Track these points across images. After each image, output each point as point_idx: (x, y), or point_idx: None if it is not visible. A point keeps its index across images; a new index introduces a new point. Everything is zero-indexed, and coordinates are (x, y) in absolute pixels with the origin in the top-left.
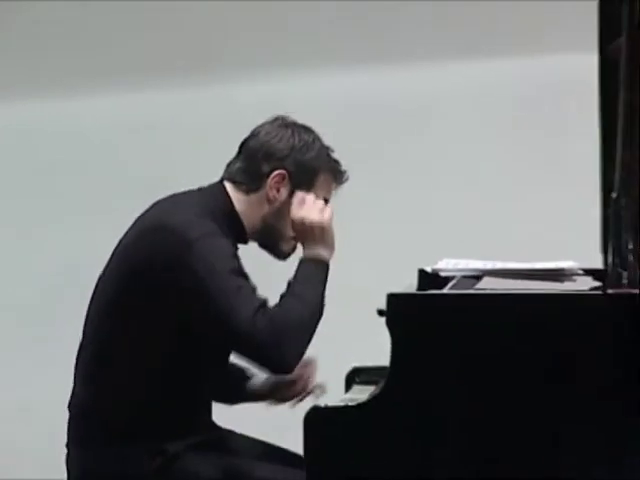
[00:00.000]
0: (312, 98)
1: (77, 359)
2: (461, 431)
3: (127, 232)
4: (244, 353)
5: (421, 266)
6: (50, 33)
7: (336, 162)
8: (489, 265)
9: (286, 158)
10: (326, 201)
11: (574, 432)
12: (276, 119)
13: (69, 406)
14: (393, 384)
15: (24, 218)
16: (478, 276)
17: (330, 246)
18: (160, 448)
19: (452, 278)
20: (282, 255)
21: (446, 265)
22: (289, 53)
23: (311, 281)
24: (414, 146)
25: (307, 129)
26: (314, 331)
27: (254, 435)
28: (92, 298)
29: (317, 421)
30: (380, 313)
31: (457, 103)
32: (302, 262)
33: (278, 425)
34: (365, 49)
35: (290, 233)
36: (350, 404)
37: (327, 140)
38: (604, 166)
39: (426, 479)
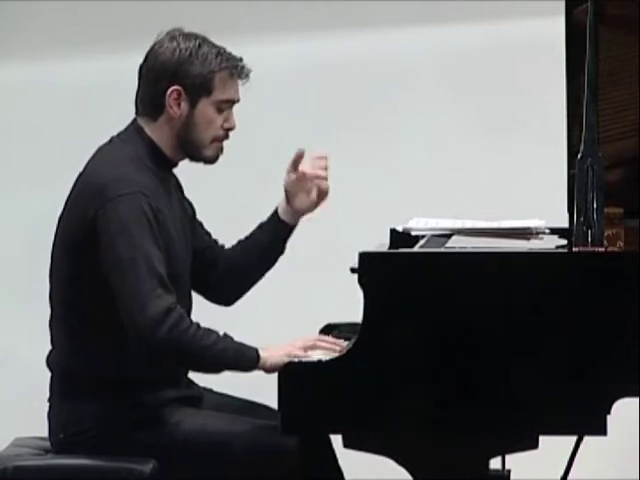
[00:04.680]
0: (278, 63)
1: (50, 319)
2: (426, 385)
3: (70, 190)
4: (135, 343)
5: (393, 225)
6: None
7: (229, 59)
8: (458, 224)
9: (176, 73)
10: (234, 102)
11: (537, 387)
12: (166, 34)
13: (47, 362)
14: (365, 340)
15: (4, 172)
16: (448, 235)
17: (275, 357)
18: (139, 401)
19: (422, 237)
20: (210, 160)
21: (417, 224)
22: (250, 18)
23: (236, 355)
24: (386, 107)
25: (191, 36)
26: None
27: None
28: (51, 258)
29: (291, 376)
30: (353, 271)
31: (427, 66)
32: (256, 350)
33: (249, 386)
34: (328, 14)
35: (207, 139)
36: (323, 359)
37: (297, 106)
38: (570, 127)
39: (397, 430)
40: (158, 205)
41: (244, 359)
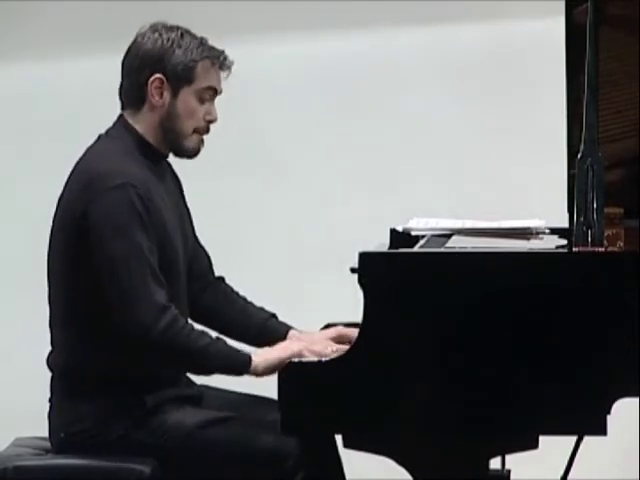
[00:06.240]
0: (278, 63)
1: (49, 319)
2: (426, 385)
3: (62, 191)
4: (132, 345)
5: (393, 225)
6: None
7: (211, 49)
8: (458, 224)
9: (158, 62)
10: (216, 90)
11: (537, 387)
12: (149, 27)
13: (48, 362)
14: (365, 340)
15: (4, 172)
16: (448, 235)
17: (267, 360)
18: (139, 401)
19: (422, 237)
20: (191, 152)
21: (417, 224)
22: (250, 18)
23: (228, 358)
24: (386, 108)
25: (173, 27)
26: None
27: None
28: (48, 258)
29: (291, 376)
30: (353, 271)
31: (427, 66)
32: (249, 356)
33: (249, 385)
34: (328, 14)
35: (189, 129)
36: (323, 360)
37: (297, 106)
38: (570, 127)
39: (397, 430)
40: (148, 195)
41: (236, 363)
